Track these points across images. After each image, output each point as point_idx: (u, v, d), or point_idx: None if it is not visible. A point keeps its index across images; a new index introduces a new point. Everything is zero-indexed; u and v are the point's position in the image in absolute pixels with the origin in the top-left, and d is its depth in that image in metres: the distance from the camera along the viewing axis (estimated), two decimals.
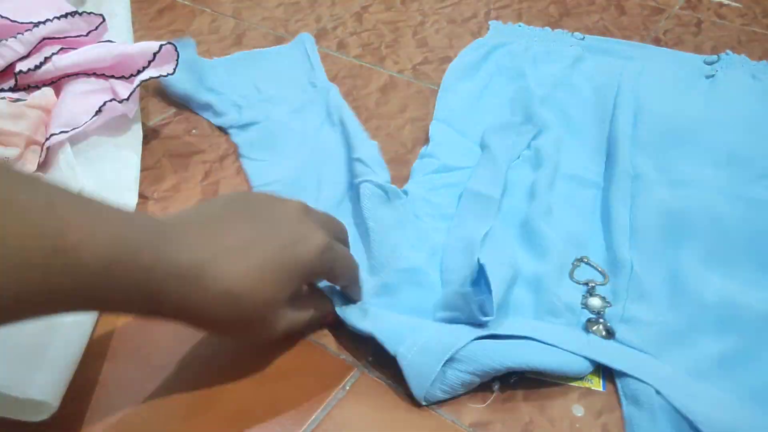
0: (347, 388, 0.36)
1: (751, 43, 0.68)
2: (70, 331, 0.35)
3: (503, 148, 0.49)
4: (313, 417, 0.35)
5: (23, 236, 0.22)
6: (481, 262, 0.37)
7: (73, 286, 0.24)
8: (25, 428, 0.32)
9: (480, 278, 0.37)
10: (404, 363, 0.34)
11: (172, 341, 0.38)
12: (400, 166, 0.51)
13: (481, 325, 0.36)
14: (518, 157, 0.50)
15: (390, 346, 0.35)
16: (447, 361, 0.34)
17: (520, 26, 0.68)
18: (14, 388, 0.30)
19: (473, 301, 0.35)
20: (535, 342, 0.36)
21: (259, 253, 0.31)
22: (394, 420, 0.34)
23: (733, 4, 0.76)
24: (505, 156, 0.48)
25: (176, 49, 0.51)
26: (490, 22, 0.69)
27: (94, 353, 0.37)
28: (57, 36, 0.51)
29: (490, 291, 0.36)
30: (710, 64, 0.62)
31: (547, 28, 0.67)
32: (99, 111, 0.48)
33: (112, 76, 0.51)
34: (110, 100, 0.48)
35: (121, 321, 0.40)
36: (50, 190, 0.24)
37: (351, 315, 0.37)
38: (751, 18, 0.73)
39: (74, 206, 0.25)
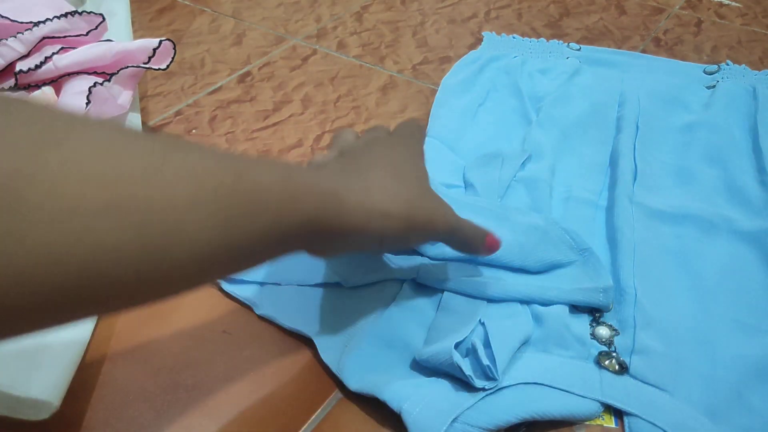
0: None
1: (751, 43, 0.68)
2: (70, 330, 0.35)
3: (487, 185, 0.47)
4: (313, 417, 0.35)
5: (212, 172, 0.23)
6: (485, 324, 0.36)
7: (254, 209, 0.25)
8: (26, 427, 0.32)
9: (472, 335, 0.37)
10: (409, 420, 0.33)
11: (172, 341, 0.38)
12: None
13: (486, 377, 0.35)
14: (506, 190, 0.47)
15: (394, 402, 0.34)
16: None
17: (514, 38, 0.67)
18: (15, 387, 0.30)
19: (466, 373, 0.34)
20: (545, 387, 0.35)
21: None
22: (395, 421, 0.34)
23: (733, 3, 0.76)
24: (490, 195, 0.46)
25: (174, 46, 0.51)
26: (483, 33, 0.68)
27: (94, 353, 0.37)
28: (57, 35, 0.51)
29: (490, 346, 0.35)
30: (710, 73, 0.61)
31: (542, 39, 0.67)
32: (88, 101, 0.47)
33: (114, 74, 0.51)
34: (94, 85, 0.48)
35: (121, 321, 0.40)
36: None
37: (349, 375, 0.36)
38: (752, 18, 0.73)
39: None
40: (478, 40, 0.68)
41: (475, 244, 0.38)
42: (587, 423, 0.35)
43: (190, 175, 0.22)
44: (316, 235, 0.29)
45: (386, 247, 0.33)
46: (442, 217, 0.34)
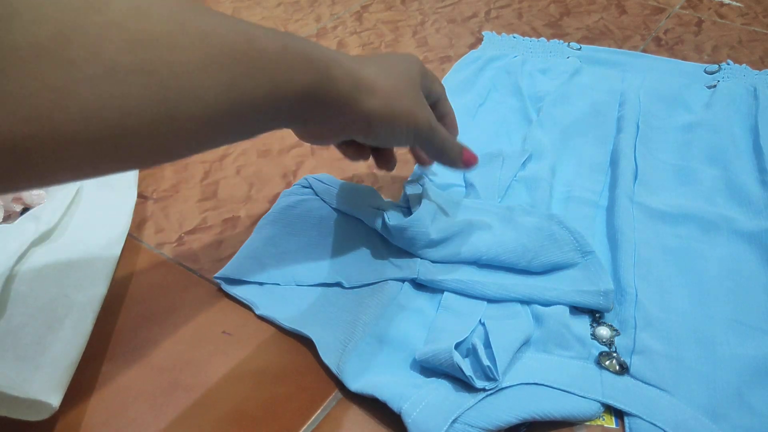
0: None
1: (751, 42, 0.68)
2: (70, 331, 0.35)
3: (488, 184, 0.47)
4: (313, 417, 0.35)
5: (222, 37, 0.26)
6: (485, 324, 0.37)
7: (256, 73, 0.27)
8: (26, 428, 0.32)
9: (471, 336, 0.37)
10: (409, 421, 0.33)
11: (172, 341, 0.38)
12: (399, 166, 0.51)
13: (487, 378, 0.35)
14: (506, 190, 0.47)
15: (394, 403, 0.34)
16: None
17: (514, 37, 0.67)
18: (15, 387, 0.30)
19: (466, 373, 0.34)
20: (545, 388, 0.35)
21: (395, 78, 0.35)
22: (395, 421, 0.34)
23: (734, 3, 0.76)
24: (491, 195, 0.46)
25: None
26: (483, 33, 0.68)
27: (94, 353, 0.37)
28: None
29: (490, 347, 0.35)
30: (711, 73, 0.61)
31: (542, 38, 0.67)
32: None
33: None
34: None
35: (121, 321, 0.40)
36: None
37: (349, 375, 0.36)
38: (752, 17, 0.73)
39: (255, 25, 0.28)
40: (479, 40, 0.68)
41: (452, 155, 0.39)
42: (588, 423, 0.35)
43: (204, 40, 0.24)
44: (310, 106, 0.31)
45: (373, 135, 0.35)
46: (424, 114, 0.36)
